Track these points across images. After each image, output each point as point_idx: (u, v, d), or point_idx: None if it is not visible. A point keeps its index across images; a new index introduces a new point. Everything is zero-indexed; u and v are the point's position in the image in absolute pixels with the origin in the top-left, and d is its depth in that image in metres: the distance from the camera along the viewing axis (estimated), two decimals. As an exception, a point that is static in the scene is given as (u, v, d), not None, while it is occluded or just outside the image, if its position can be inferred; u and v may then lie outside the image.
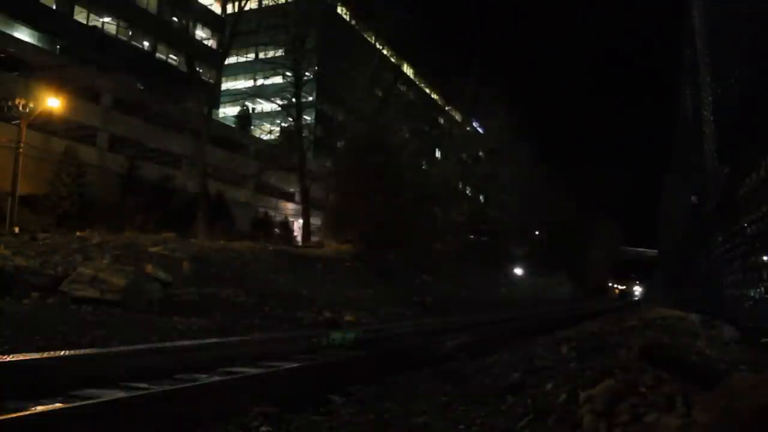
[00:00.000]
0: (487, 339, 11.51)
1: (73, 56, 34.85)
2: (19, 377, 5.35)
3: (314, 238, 34.46)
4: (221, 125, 43.81)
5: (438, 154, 54.22)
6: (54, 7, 37.86)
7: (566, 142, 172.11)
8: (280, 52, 39.56)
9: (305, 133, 37.17)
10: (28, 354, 6.13)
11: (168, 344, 8.05)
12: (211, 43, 48.61)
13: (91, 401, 4.58)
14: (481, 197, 64.38)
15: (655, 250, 61.12)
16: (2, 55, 29.91)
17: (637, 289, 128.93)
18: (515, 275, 59.65)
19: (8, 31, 33.34)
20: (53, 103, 24.07)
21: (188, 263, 16.95)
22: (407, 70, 56.43)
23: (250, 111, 51.56)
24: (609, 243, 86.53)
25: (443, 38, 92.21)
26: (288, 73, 36.62)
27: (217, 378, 6.16)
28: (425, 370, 7.35)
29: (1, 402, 4.67)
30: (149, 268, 13.90)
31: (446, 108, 63.98)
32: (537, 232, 69.85)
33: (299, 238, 39.55)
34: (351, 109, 37.85)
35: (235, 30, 33.39)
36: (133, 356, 6.64)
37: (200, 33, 47.54)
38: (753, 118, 7.99)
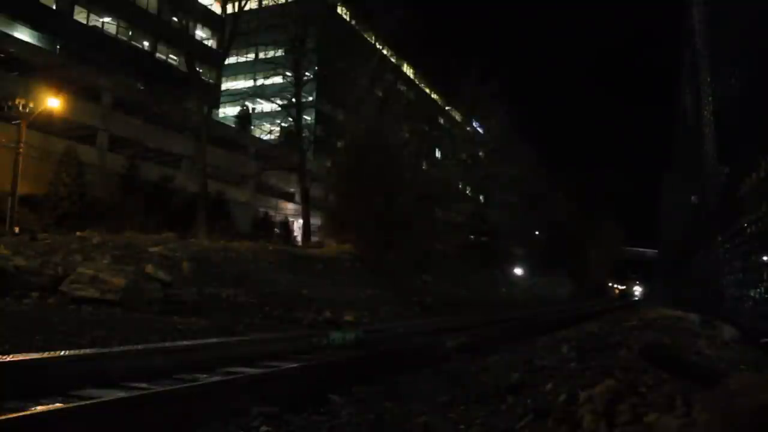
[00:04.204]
0: (487, 339, 11.51)
1: (73, 56, 34.85)
2: (19, 377, 5.35)
3: (314, 238, 34.46)
4: (221, 125, 43.79)
5: (438, 154, 54.18)
6: (54, 7, 37.85)
7: (566, 142, 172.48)
8: (280, 52, 39.55)
9: (305, 133, 37.19)
10: (28, 354, 6.13)
11: (168, 344, 8.04)
12: (211, 43, 48.59)
13: (91, 401, 4.58)
14: (481, 197, 64.35)
15: (655, 250, 61.12)
16: (2, 55, 29.91)
17: (637, 289, 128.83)
18: (515, 275, 59.65)
19: (8, 31, 33.33)
20: (53, 103, 24.04)
21: (188, 263, 16.93)
22: (407, 70, 56.39)
23: (250, 111, 51.52)
24: (609, 243, 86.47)
25: (443, 38, 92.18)
26: (288, 73, 36.63)
27: (217, 378, 6.16)
28: (425, 370, 7.36)
29: (1, 402, 4.67)
30: (149, 268, 13.90)
31: (446, 108, 63.93)
32: (537, 232, 69.86)
33: (299, 238, 39.54)
34: (351, 109, 37.83)
35: (235, 30, 33.40)
36: (133, 356, 6.63)
37: (200, 33, 47.53)
38: (753, 118, 7.98)
